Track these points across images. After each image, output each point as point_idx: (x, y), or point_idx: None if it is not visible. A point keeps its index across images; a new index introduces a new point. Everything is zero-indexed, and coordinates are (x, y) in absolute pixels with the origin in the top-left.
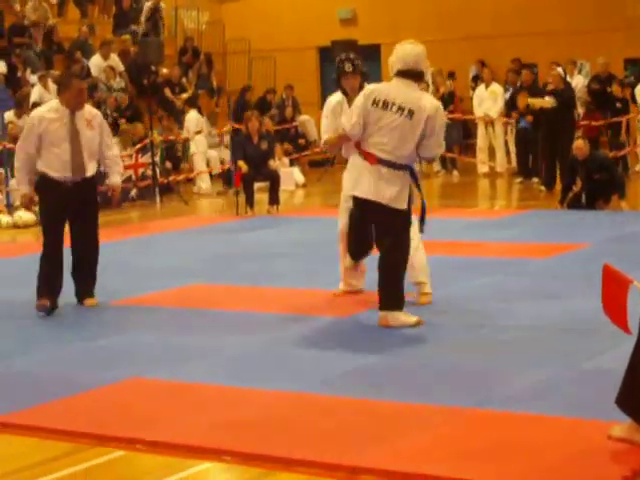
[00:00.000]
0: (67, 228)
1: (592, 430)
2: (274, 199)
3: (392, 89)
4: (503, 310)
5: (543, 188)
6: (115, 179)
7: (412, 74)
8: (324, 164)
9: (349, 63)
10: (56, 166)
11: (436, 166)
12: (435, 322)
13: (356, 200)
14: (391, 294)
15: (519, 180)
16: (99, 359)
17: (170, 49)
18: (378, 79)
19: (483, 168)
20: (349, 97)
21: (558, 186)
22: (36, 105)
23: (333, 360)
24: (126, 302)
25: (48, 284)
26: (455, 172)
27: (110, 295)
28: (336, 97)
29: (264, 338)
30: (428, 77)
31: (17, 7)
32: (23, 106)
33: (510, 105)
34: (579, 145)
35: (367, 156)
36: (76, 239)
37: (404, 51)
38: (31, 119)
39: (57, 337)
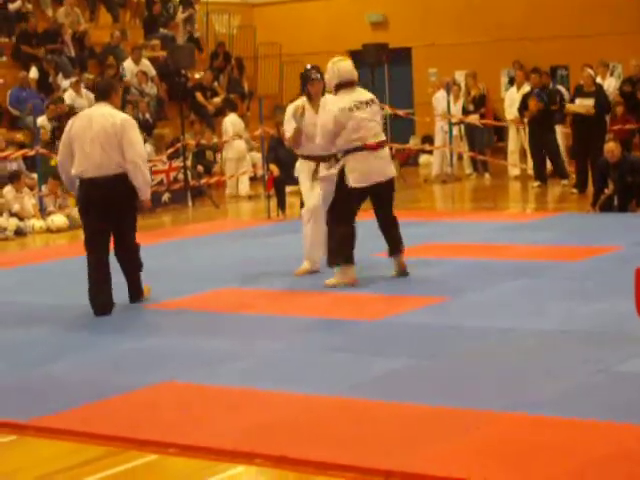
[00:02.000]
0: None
1: (624, 433)
2: None
3: (346, 96)
4: (535, 313)
5: (575, 190)
6: None
7: (351, 83)
8: None
9: (315, 71)
10: None
11: (468, 169)
12: (467, 326)
13: (361, 189)
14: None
15: (537, 184)
16: (132, 363)
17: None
18: (409, 81)
19: (514, 171)
20: (313, 101)
21: (590, 189)
22: (70, 109)
23: (365, 364)
24: (159, 306)
25: None
26: (487, 175)
27: (145, 299)
28: (298, 101)
29: (296, 342)
30: (461, 82)
31: (49, 12)
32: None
33: (522, 108)
34: (610, 147)
35: (368, 146)
36: None
37: (339, 68)
38: None
39: (91, 342)
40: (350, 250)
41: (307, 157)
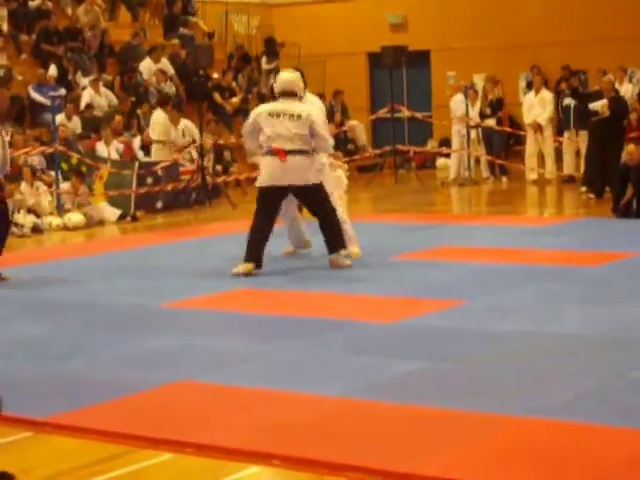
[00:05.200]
0: None
1: None
2: None
3: (278, 104)
4: (553, 318)
5: (592, 196)
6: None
7: (288, 93)
8: (372, 169)
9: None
10: None
11: (485, 172)
12: (484, 329)
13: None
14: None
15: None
16: (149, 361)
17: (220, 53)
18: (428, 84)
19: (532, 175)
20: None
21: (607, 194)
22: (89, 107)
23: (380, 365)
24: (176, 305)
25: None
26: (504, 178)
27: (160, 298)
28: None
29: (312, 343)
30: (478, 85)
31: (69, 11)
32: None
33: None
34: (630, 150)
35: (276, 151)
36: None
37: (281, 79)
38: None
39: (108, 339)
40: (253, 248)
41: None
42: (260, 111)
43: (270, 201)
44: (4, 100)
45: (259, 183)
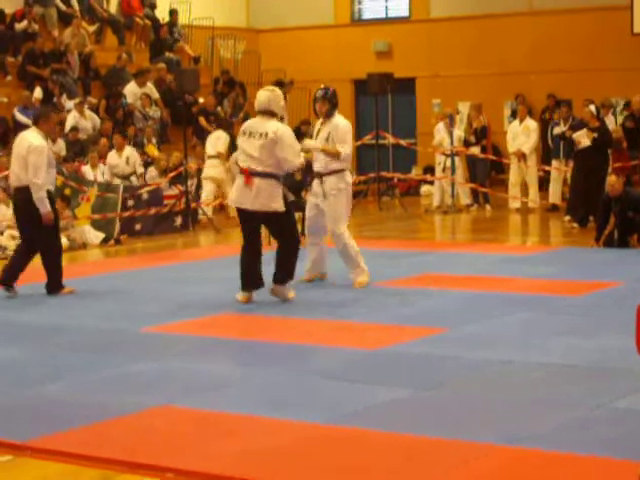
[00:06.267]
0: None
1: (622, 470)
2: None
3: (254, 122)
4: (535, 347)
5: (576, 225)
6: None
7: (263, 112)
8: (356, 196)
9: (320, 90)
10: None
11: (466, 199)
12: (467, 357)
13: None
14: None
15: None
16: (130, 386)
17: (206, 78)
18: (414, 111)
19: (515, 203)
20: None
21: (591, 224)
22: (73, 130)
23: (363, 393)
24: (157, 329)
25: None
26: (488, 207)
27: (142, 322)
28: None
29: (294, 368)
30: (463, 113)
31: (55, 33)
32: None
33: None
34: (612, 181)
35: (242, 171)
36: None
37: (259, 97)
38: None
39: (88, 363)
40: (242, 272)
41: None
42: (242, 128)
43: (242, 221)
44: None
45: (228, 200)
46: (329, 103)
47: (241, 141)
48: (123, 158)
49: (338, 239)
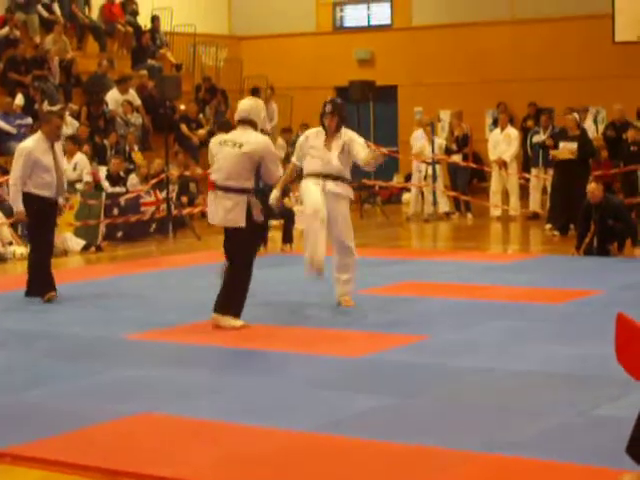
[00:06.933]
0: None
1: (602, 478)
2: (288, 237)
3: (234, 131)
4: (515, 355)
5: (557, 233)
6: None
7: (242, 121)
8: None
9: (328, 103)
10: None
11: (445, 207)
12: (448, 365)
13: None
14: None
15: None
16: (110, 393)
17: (188, 85)
18: (395, 119)
19: (496, 211)
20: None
21: (572, 231)
22: None
23: (346, 400)
24: (139, 337)
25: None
26: (469, 215)
27: (123, 329)
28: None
29: (276, 376)
30: (445, 121)
31: (37, 39)
32: None
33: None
34: (592, 188)
35: (213, 185)
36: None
37: (240, 106)
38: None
39: (70, 370)
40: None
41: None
42: (218, 139)
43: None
44: None
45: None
46: (338, 117)
47: (219, 150)
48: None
49: (351, 250)
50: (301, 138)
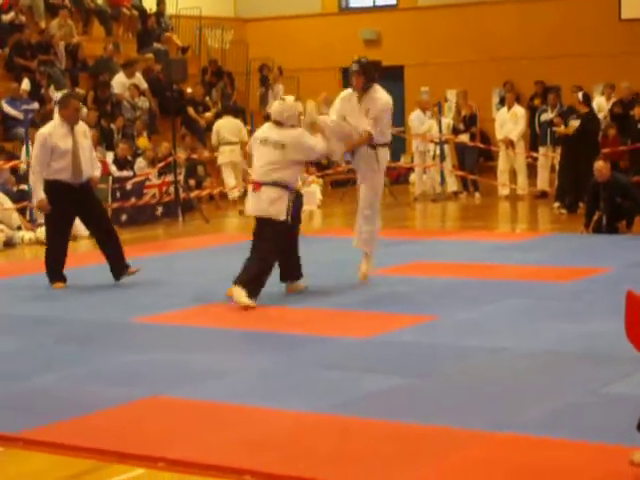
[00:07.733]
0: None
1: (614, 456)
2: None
3: (268, 129)
4: (525, 334)
5: (564, 211)
6: (97, 173)
7: (275, 122)
8: (346, 184)
9: (355, 62)
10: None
11: (452, 185)
12: (458, 344)
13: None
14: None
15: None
16: (120, 377)
17: (194, 68)
18: (401, 99)
19: (504, 190)
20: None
21: (580, 210)
22: None
23: (356, 381)
24: (147, 319)
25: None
26: (477, 194)
27: (132, 313)
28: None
29: (286, 358)
30: (451, 98)
31: (42, 24)
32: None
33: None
34: (599, 166)
35: (251, 181)
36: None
37: (273, 106)
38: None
39: (77, 355)
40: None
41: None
42: (255, 136)
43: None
44: None
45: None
46: (364, 76)
47: (256, 148)
48: None
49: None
50: (336, 101)
